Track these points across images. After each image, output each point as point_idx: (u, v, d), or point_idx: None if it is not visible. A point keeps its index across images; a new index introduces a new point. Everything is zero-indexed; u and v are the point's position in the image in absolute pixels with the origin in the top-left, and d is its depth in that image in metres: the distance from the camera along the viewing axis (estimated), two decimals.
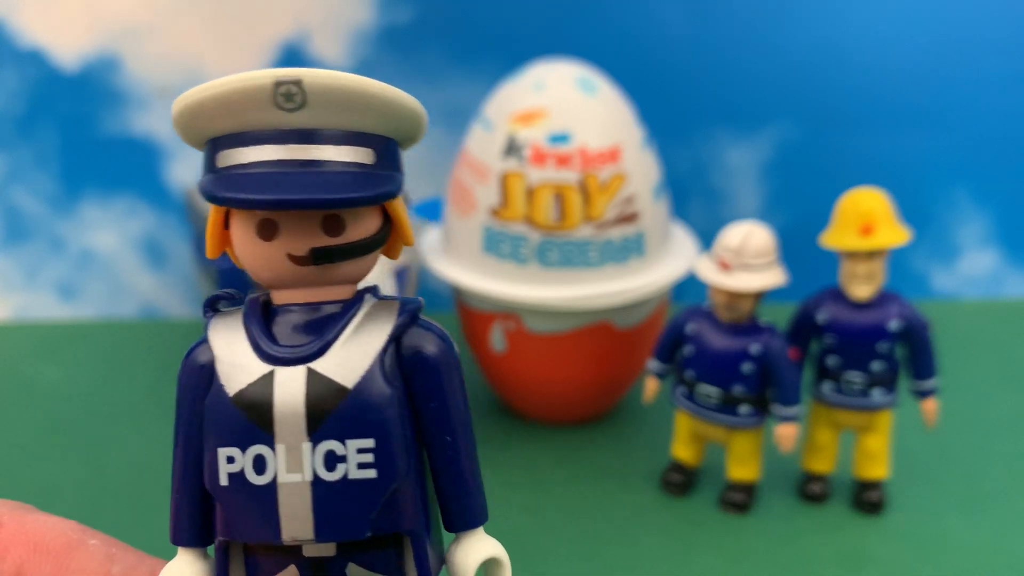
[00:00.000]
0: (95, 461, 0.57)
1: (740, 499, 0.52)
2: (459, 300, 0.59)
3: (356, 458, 0.24)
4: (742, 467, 0.52)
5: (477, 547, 0.26)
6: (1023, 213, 0.75)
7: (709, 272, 0.49)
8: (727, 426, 0.51)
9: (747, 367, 0.49)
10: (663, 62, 0.71)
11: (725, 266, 0.48)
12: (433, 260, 0.58)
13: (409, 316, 0.25)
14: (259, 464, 0.24)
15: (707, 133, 0.73)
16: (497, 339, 0.57)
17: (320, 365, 0.24)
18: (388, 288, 0.52)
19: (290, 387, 0.24)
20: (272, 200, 0.23)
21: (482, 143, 0.55)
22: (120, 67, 0.71)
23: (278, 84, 0.24)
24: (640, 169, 0.54)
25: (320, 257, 0.25)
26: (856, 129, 0.73)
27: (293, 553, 0.25)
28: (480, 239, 0.55)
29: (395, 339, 0.25)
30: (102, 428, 0.60)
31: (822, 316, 0.50)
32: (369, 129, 0.25)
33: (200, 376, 0.26)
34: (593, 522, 0.51)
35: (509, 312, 0.55)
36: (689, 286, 0.75)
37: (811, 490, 0.53)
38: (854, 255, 0.48)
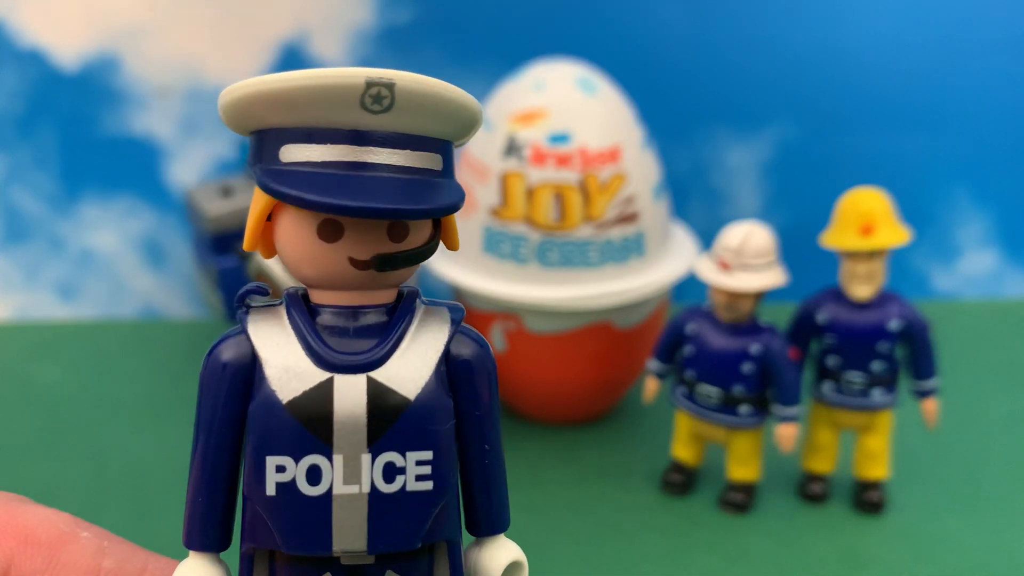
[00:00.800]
0: (94, 461, 0.57)
1: (740, 499, 0.52)
2: (459, 300, 0.59)
3: (415, 470, 0.24)
4: (742, 467, 0.52)
5: (502, 551, 0.26)
6: (1023, 213, 0.75)
7: (709, 272, 0.49)
8: (727, 426, 0.51)
9: (747, 367, 0.49)
10: (663, 62, 0.71)
11: (725, 266, 0.48)
12: (433, 260, 0.58)
13: (457, 323, 0.25)
14: (313, 474, 0.23)
15: (707, 133, 0.73)
16: (497, 339, 0.57)
17: (381, 374, 0.24)
18: None
19: (351, 396, 0.23)
20: (368, 208, 0.22)
21: (482, 143, 0.55)
22: (120, 67, 0.71)
23: (370, 85, 0.23)
24: (640, 169, 0.54)
25: (384, 264, 0.24)
26: (856, 129, 0.73)
27: (329, 561, 0.24)
28: (480, 239, 0.55)
29: (448, 348, 0.25)
30: (101, 428, 0.60)
31: (822, 316, 0.50)
32: (438, 134, 0.24)
33: (233, 376, 0.24)
34: (593, 522, 0.52)
35: (509, 312, 0.55)
36: (689, 286, 0.74)
37: (811, 490, 0.53)
38: (854, 255, 0.48)
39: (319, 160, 0.23)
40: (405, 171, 0.24)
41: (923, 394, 0.51)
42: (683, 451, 0.53)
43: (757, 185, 0.74)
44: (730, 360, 0.50)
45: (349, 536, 0.23)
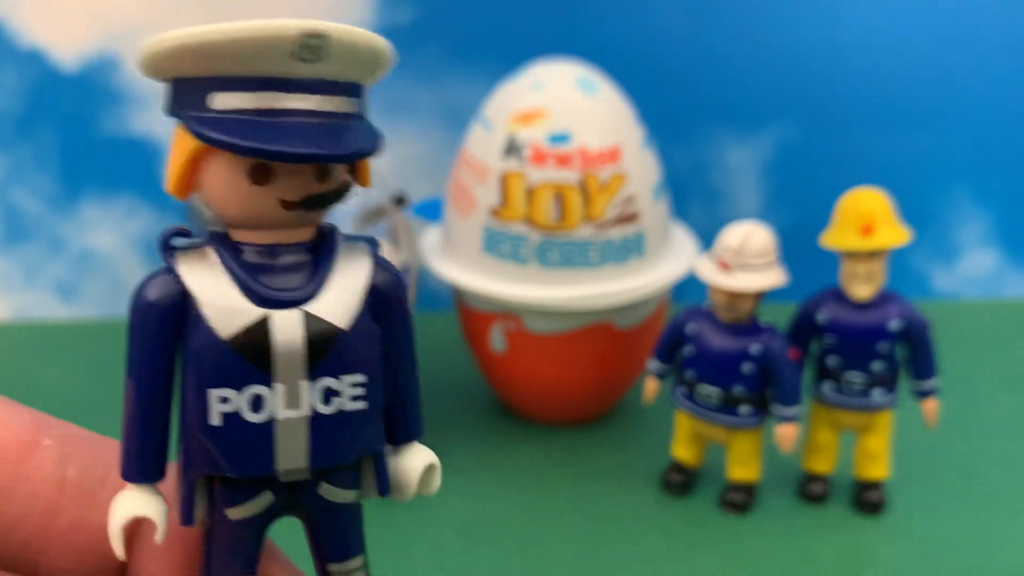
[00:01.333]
0: None
1: (740, 499, 0.52)
2: (459, 300, 0.59)
3: (350, 392, 0.26)
4: (742, 467, 0.52)
5: (419, 457, 0.28)
6: (1023, 213, 0.75)
7: (709, 272, 0.49)
8: (727, 426, 0.51)
9: (747, 367, 0.49)
10: (663, 63, 0.71)
11: (725, 266, 0.48)
12: (433, 260, 0.58)
13: (375, 255, 0.27)
14: (256, 403, 0.25)
15: (707, 133, 0.73)
16: (497, 339, 0.57)
17: (315, 307, 0.25)
18: None
19: (289, 330, 0.25)
20: (305, 154, 0.24)
21: (482, 143, 0.55)
22: (119, 67, 0.72)
23: (304, 36, 0.24)
24: (640, 169, 0.54)
25: (313, 204, 0.25)
26: (856, 129, 0.73)
27: (269, 480, 0.26)
28: (480, 239, 0.55)
29: (371, 279, 0.27)
30: (101, 427, 0.60)
31: (822, 316, 0.50)
32: (357, 80, 0.26)
33: (164, 315, 0.25)
34: (593, 522, 0.52)
35: (509, 312, 0.55)
36: (689, 286, 0.75)
37: (811, 490, 0.53)
38: (854, 255, 0.48)
39: (251, 108, 0.24)
40: (329, 116, 0.25)
41: (923, 394, 0.51)
42: (683, 451, 0.53)
43: (757, 185, 0.74)
44: (730, 360, 0.50)
45: (291, 456, 0.25)
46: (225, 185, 0.25)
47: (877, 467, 0.52)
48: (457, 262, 0.57)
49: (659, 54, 0.71)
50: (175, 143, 0.25)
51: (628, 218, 0.54)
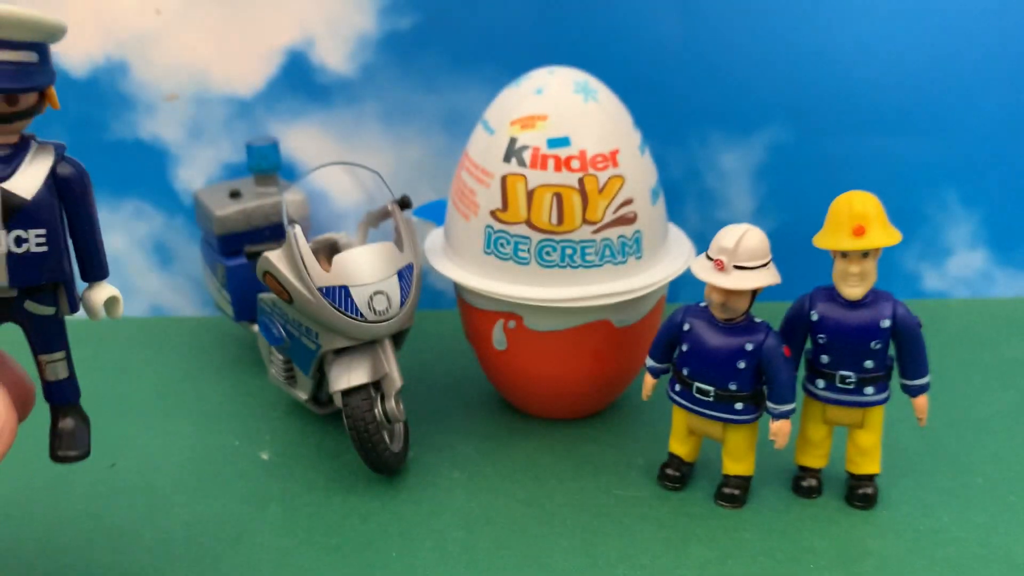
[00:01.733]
0: (104, 457, 0.58)
1: (735, 494, 0.53)
2: (461, 299, 0.60)
3: (35, 240, 0.39)
4: (737, 462, 0.52)
5: (104, 290, 0.42)
6: (1011, 214, 0.75)
7: (705, 272, 0.49)
8: (722, 422, 0.51)
9: (742, 365, 0.50)
10: (659, 70, 0.72)
11: (721, 266, 0.48)
12: (436, 260, 0.58)
13: (60, 154, 0.40)
14: None
15: (701, 138, 0.73)
16: (499, 337, 0.58)
17: (8, 185, 0.38)
18: (392, 287, 0.53)
19: None
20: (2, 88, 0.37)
21: (484, 147, 0.55)
22: (127, 72, 0.72)
23: None
24: (637, 172, 0.54)
25: (5, 119, 0.38)
26: (847, 133, 0.73)
27: None
28: (482, 240, 0.55)
29: (54, 169, 0.39)
30: (109, 420, 0.61)
31: (815, 314, 0.51)
32: (32, 39, 0.38)
33: None
34: (592, 515, 0.52)
35: (510, 311, 0.56)
36: (684, 286, 0.75)
37: (804, 485, 0.53)
38: (848, 255, 0.49)
39: None
40: (14, 64, 0.38)
41: (914, 391, 0.51)
42: (680, 446, 0.54)
43: (750, 188, 0.75)
44: (725, 358, 0.50)
45: None
46: None
47: (869, 462, 0.52)
48: (460, 262, 0.57)
49: (655, 61, 0.71)
50: None
51: (626, 220, 0.54)
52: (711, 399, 0.51)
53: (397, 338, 0.57)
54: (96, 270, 0.42)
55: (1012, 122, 0.73)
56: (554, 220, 0.53)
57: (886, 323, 0.50)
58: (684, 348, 0.51)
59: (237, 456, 0.58)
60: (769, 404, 0.50)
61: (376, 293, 0.52)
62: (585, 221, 0.53)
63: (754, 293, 0.49)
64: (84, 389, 0.65)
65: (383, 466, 0.54)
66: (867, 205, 0.48)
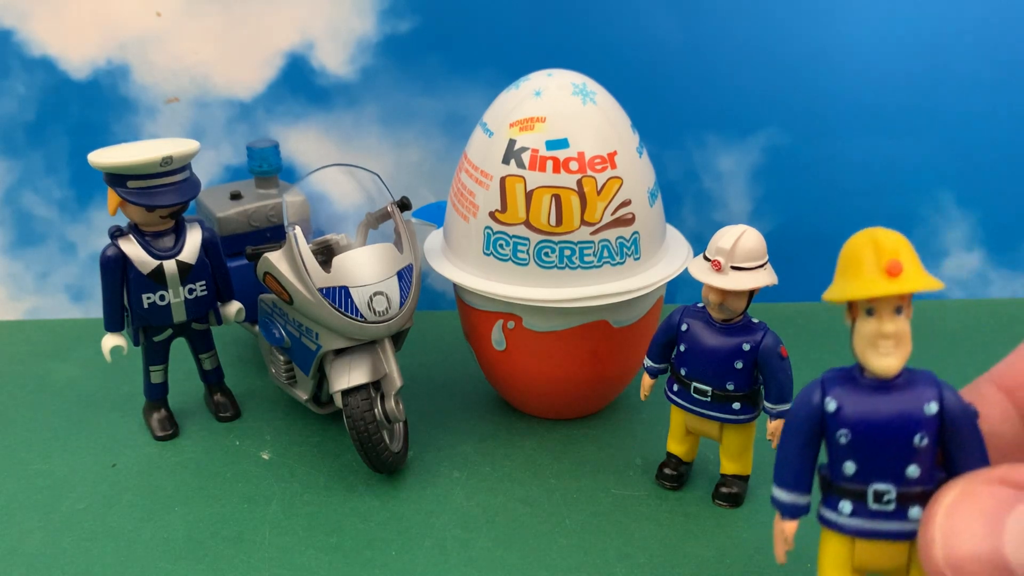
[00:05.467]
0: (106, 454, 0.58)
1: (732, 493, 0.53)
2: (461, 300, 0.60)
3: (199, 288, 0.58)
4: (734, 462, 0.53)
5: (234, 305, 0.62)
6: (1007, 216, 0.76)
7: (702, 272, 0.49)
8: (720, 422, 0.52)
9: (739, 364, 0.50)
10: (656, 72, 0.72)
11: (718, 267, 0.49)
12: (435, 261, 0.59)
13: (202, 226, 0.58)
14: (162, 297, 0.57)
15: (698, 140, 0.74)
16: (497, 337, 0.58)
17: (182, 256, 0.57)
18: (392, 288, 0.53)
19: (170, 267, 0.56)
20: (172, 203, 0.56)
21: (483, 149, 0.55)
22: (128, 75, 0.72)
23: (161, 158, 0.54)
24: (635, 174, 0.55)
25: (170, 216, 0.56)
26: (843, 135, 0.73)
27: (169, 325, 0.59)
28: (481, 241, 0.56)
29: (202, 239, 0.57)
30: (111, 419, 0.62)
31: (831, 403, 0.37)
32: (186, 163, 0.56)
33: (117, 263, 0.56)
34: (590, 514, 0.52)
35: (509, 311, 0.56)
36: (681, 287, 0.76)
37: None
38: (875, 310, 0.35)
39: (143, 186, 0.55)
40: (175, 183, 0.56)
41: None
42: (677, 446, 0.54)
43: (747, 189, 0.75)
44: (723, 358, 0.50)
45: (178, 315, 0.58)
46: (136, 211, 0.55)
47: None
48: (459, 263, 0.57)
49: (653, 64, 0.72)
50: (111, 194, 0.55)
51: (624, 221, 0.55)
52: (708, 399, 0.51)
53: (397, 338, 0.58)
54: (228, 294, 0.60)
55: (1008, 124, 0.73)
56: (553, 221, 0.54)
57: (932, 408, 0.35)
58: (682, 348, 0.52)
59: (237, 456, 0.58)
60: (766, 404, 0.51)
61: (376, 294, 0.52)
62: (583, 222, 0.54)
63: (751, 294, 0.49)
64: (85, 390, 0.66)
65: (383, 466, 0.54)
66: (896, 240, 0.35)
